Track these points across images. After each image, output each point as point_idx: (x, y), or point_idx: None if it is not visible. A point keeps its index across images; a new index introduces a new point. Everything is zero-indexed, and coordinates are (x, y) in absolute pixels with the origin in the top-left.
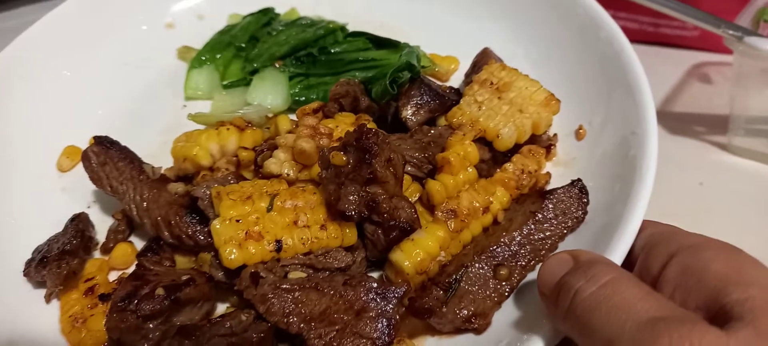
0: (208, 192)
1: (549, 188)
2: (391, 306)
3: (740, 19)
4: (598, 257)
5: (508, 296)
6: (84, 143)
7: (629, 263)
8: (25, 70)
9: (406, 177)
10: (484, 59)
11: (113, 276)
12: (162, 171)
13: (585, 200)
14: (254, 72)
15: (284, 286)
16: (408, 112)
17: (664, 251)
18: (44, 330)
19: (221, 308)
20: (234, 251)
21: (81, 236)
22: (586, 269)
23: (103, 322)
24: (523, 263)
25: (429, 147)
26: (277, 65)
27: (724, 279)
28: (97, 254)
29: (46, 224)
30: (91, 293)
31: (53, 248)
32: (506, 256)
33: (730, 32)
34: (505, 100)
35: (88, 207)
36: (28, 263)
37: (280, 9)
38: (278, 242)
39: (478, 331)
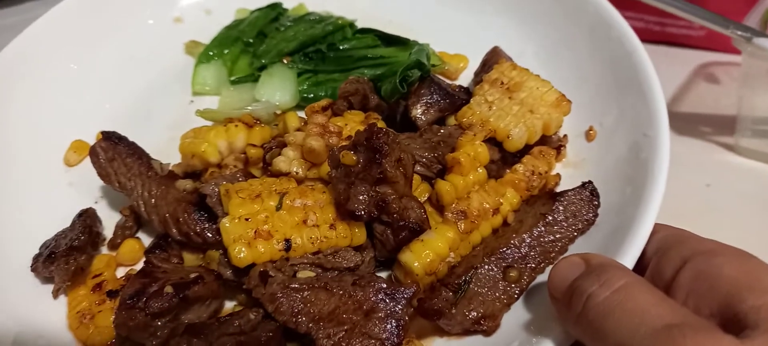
0: (216, 189)
1: (559, 189)
2: (400, 307)
3: (748, 20)
4: (610, 261)
5: (517, 299)
6: (91, 138)
7: (641, 267)
8: (32, 64)
9: (416, 177)
10: (494, 58)
11: (121, 272)
12: (170, 167)
13: (596, 203)
14: (262, 68)
15: (293, 285)
16: (418, 111)
17: (677, 256)
18: (52, 326)
19: (229, 306)
20: (243, 249)
21: (89, 232)
22: (599, 274)
23: (111, 318)
24: (533, 266)
25: (438, 147)
26: (285, 61)
27: (738, 286)
28: (104, 250)
29: (53, 219)
30: (98, 289)
31: (61, 243)
32: (516, 258)
33: (739, 33)
34: (516, 100)
35: (95, 202)
36: (36, 259)
37: (288, 4)
38: (287, 241)
39: (487, 333)
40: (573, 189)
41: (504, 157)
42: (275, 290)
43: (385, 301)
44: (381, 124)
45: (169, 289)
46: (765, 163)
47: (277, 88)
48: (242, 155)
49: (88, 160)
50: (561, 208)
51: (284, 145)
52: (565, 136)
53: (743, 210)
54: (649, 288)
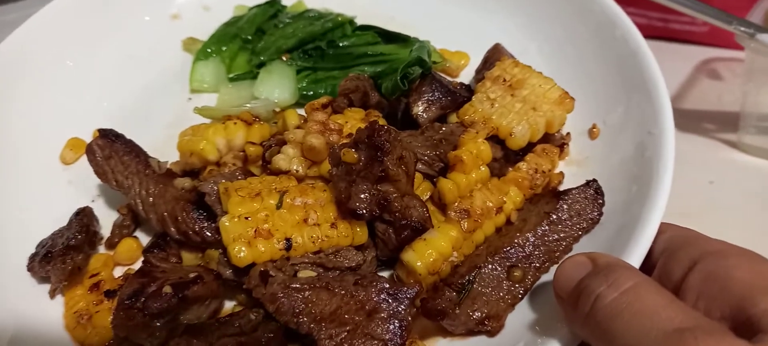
0: (215, 188)
1: (562, 188)
2: (403, 307)
3: (752, 16)
4: (617, 261)
5: (521, 298)
6: (88, 136)
7: (647, 267)
8: (28, 60)
9: (417, 176)
10: (495, 55)
11: (118, 272)
12: (168, 165)
13: (600, 201)
14: (261, 65)
15: (294, 285)
16: (419, 109)
17: (685, 257)
18: (49, 326)
19: (229, 306)
20: (243, 248)
21: (86, 231)
22: (607, 274)
23: (109, 319)
24: (538, 265)
25: (440, 145)
26: (284, 58)
27: (750, 288)
28: (101, 249)
29: (50, 218)
30: (96, 289)
31: (58, 242)
32: (520, 257)
33: (742, 29)
34: (518, 97)
35: (93, 201)
36: (32, 258)
37: (287, 1)
38: (288, 240)
39: (492, 333)
40: (577, 187)
41: (507, 156)
42: (276, 290)
43: (387, 301)
44: (382, 121)
45: (167, 289)
46: None
47: (276, 86)
48: (241, 153)
49: (85, 158)
50: (565, 206)
51: (284, 143)
52: (568, 134)
53: (747, 207)
54: (658, 290)
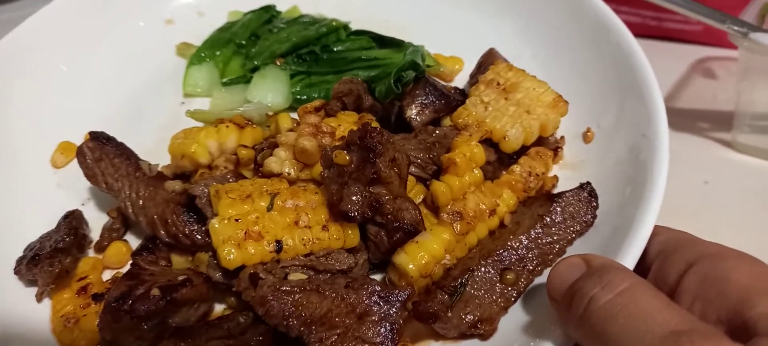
0: (206, 190)
1: (556, 191)
2: (394, 310)
3: (745, 15)
4: (612, 263)
5: (515, 301)
6: (79, 139)
7: (642, 270)
8: (21, 63)
9: (410, 178)
10: (490, 60)
11: (107, 275)
12: (159, 168)
13: (594, 204)
14: (255, 69)
15: (284, 288)
16: (412, 112)
17: (681, 260)
18: (35, 329)
19: (219, 309)
20: (233, 251)
21: (74, 234)
22: (601, 275)
23: (96, 322)
24: (531, 268)
25: (434, 148)
26: (278, 63)
27: (747, 291)
28: (91, 253)
29: (39, 221)
30: (83, 292)
31: (46, 245)
32: (513, 260)
33: (735, 28)
34: (512, 101)
35: (83, 204)
36: (20, 261)
37: (281, 6)
38: (278, 242)
39: (484, 337)
40: (571, 190)
41: (500, 159)
42: (266, 292)
43: (378, 304)
44: (375, 124)
45: (155, 291)
46: (763, 160)
47: (270, 90)
48: (233, 156)
49: (75, 161)
50: (559, 209)
51: (276, 145)
52: (562, 137)
53: (742, 207)
54: (653, 292)
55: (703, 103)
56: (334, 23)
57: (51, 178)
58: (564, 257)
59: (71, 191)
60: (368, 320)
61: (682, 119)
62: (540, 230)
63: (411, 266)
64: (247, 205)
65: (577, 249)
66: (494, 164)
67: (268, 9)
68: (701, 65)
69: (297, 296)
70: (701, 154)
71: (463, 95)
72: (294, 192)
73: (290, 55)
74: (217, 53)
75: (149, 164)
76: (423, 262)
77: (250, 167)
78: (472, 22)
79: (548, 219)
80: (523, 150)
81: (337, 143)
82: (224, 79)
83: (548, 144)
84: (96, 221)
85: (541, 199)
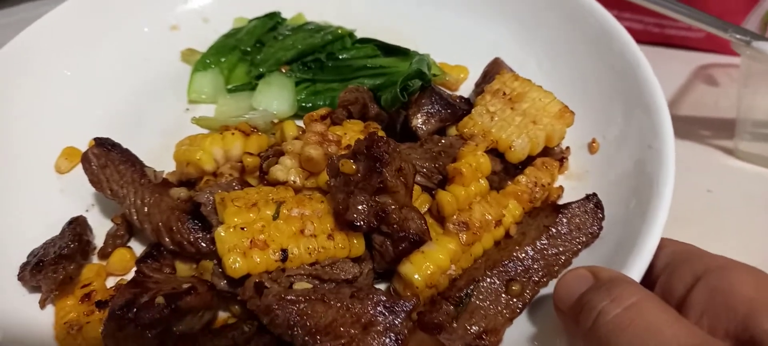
0: (211, 198)
1: (561, 202)
2: (399, 320)
3: (748, 23)
4: (620, 276)
5: (520, 313)
6: (83, 145)
7: (648, 283)
8: (25, 68)
9: (416, 188)
10: (495, 69)
11: (111, 282)
12: (164, 175)
13: (600, 215)
14: (260, 77)
15: (289, 297)
16: (418, 121)
17: (688, 273)
18: (38, 336)
19: (223, 317)
20: (238, 259)
21: (79, 240)
22: (610, 288)
23: (100, 330)
24: (536, 279)
25: (439, 157)
26: (283, 70)
27: (754, 305)
28: (94, 259)
29: (43, 227)
30: (87, 299)
31: (49, 251)
32: (519, 271)
33: (738, 36)
34: (518, 111)
35: (87, 210)
36: (23, 267)
37: (287, 14)
38: (284, 251)
39: None
40: (577, 201)
41: (506, 169)
42: (271, 301)
43: (384, 314)
44: (381, 133)
45: (160, 299)
46: (765, 167)
47: (275, 97)
48: (238, 164)
49: (80, 167)
50: (565, 220)
51: (282, 153)
52: (567, 148)
53: (745, 214)
54: (662, 306)
55: (705, 110)
56: (339, 31)
57: (55, 183)
58: (570, 268)
59: (75, 197)
60: (373, 330)
61: (684, 126)
62: (546, 242)
63: (416, 277)
64: (252, 213)
65: (583, 260)
66: (500, 174)
67: (274, 16)
68: (703, 72)
69: (302, 306)
70: (704, 161)
71: (468, 105)
72: (299, 200)
73: (295, 62)
74: (222, 60)
75: (154, 171)
76: (428, 272)
77: (255, 175)
78: (476, 30)
79: (554, 230)
80: (529, 160)
81: (342, 152)
82: (229, 86)
83: (554, 154)
84: (100, 227)
85: (546, 210)
